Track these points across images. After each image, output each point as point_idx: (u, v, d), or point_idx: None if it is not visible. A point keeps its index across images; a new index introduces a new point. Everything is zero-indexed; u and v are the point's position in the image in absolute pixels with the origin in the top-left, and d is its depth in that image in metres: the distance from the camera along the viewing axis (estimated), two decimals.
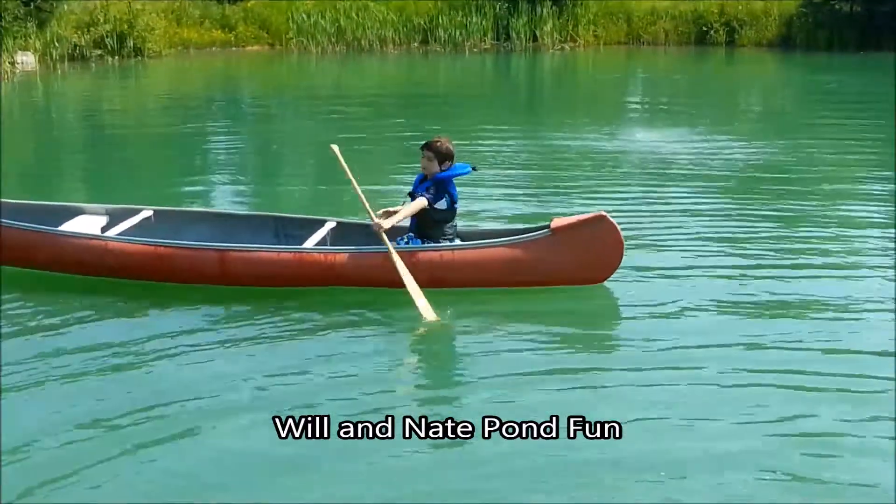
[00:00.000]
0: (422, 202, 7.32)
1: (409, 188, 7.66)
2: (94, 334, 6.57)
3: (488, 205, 10.30)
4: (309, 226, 7.90)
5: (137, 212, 8.04)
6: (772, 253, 8.54)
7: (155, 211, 8.08)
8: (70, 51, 25.64)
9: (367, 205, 7.33)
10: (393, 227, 7.52)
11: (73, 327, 6.70)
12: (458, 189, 7.57)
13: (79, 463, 4.84)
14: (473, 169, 7.63)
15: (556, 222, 7.38)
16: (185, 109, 19.24)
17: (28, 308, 7.03)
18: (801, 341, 6.52)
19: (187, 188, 11.79)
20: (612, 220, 7.28)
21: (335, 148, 7.64)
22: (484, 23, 30.54)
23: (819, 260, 8.38)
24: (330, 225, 7.89)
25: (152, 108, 20.10)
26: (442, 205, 7.41)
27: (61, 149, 15.26)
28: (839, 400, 5.59)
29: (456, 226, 7.58)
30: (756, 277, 7.82)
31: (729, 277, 7.79)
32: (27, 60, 24.40)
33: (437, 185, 7.39)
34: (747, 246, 8.69)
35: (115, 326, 6.74)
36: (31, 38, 24.45)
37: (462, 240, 7.53)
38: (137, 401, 5.54)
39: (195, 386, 5.73)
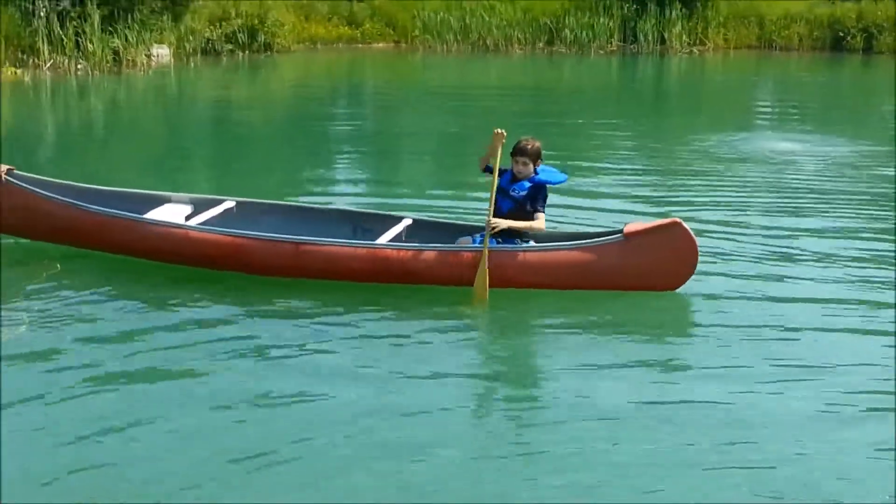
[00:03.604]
0: (542, 223, 7.39)
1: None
2: (154, 321, 6.75)
3: (590, 203, 10.30)
4: (386, 222, 8.00)
5: (221, 202, 8.27)
6: (870, 276, 8.00)
7: (237, 202, 8.28)
8: (203, 45, 26.41)
9: (492, 199, 7.28)
10: (471, 227, 7.76)
11: (134, 312, 6.91)
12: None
13: (86, 455, 4.89)
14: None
15: (630, 227, 7.29)
16: (310, 103, 19.80)
17: (97, 290, 7.33)
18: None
19: (298, 179, 12.18)
20: (686, 227, 7.16)
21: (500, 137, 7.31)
22: (611, 24, 30.22)
23: None
24: (406, 222, 7.97)
25: (279, 101, 20.68)
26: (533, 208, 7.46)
27: (185, 137, 15.86)
28: None
29: None
30: (851, 301, 7.37)
31: (815, 299, 7.38)
32: (162, 53, 25.19)
33: (540, 191, 7.43)
34: (845, 267, 8.20)
35: (177, 314, 6.91)
36: (166, 31, 25.24)
37: (535, 241, 7.50)
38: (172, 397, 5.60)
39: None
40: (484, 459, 4.96)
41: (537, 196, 7.41)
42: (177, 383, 5.77)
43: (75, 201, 7.82)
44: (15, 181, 7.87)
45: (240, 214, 8.17)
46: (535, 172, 7.41)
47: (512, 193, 7.42)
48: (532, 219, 7.39)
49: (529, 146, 7.40)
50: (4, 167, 7.91)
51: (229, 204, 8.25)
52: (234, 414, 5.40)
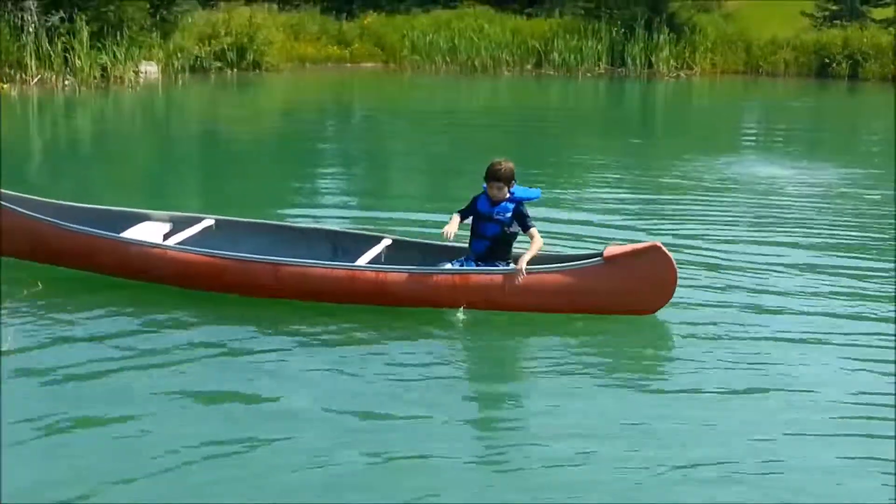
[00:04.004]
0: (539, 237, 7.39)
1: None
2: (130, 338, 6.69)
3: (573, 224, 10.29)
4: (365, 242, 7.97)
5: (200, 220, 8.22)
6: (854, 293, 8.04)
7: (217, 220, 8.24)
8: (191, 62, 26.40)
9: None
10: (450, 248, 7.74)
11: (111, 329, 6.84)
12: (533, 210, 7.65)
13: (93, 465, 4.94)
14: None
15: (610, 251, 7.28)
16: (297, 122, 19.90)
17: (76, 308, 7.25)
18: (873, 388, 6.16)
19: (283, 197, 12.17)
20: (666, 250, 7.15)
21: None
22: (599, 47, 30.40)
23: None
24: (385, 242, 7.94)
25: (266, 119, 20.73)
26: (516, 228, 7.45)
27: (171, 155, 15.85)
28: None
29: None
30: (831, 318, 7.42)
31: (795, 321, 7.40)
32: (150, 70, 25.19)
33: (522, 207, 7.44)
34: (829, 288, 8.21)
35: (156, 332, 6.84)
36: (155, 48, 25.25)
37: (516, 264, 7.47)
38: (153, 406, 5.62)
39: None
40: (465, 474, 4.99)
41: (522, 213, 7.41)
42: (154, 402, 5.71)
43: (52, 219, 7.75)
44: None
45: (219, 233, 8.12)
46: (510, 193, 7.41)
47: (497, 217, 7.41)
48: (529, 237, 7.40)
49: (502, 169, 7.37)
50: None
51: (209, 222, 8.21)
52: (211, 428, 5.37)
